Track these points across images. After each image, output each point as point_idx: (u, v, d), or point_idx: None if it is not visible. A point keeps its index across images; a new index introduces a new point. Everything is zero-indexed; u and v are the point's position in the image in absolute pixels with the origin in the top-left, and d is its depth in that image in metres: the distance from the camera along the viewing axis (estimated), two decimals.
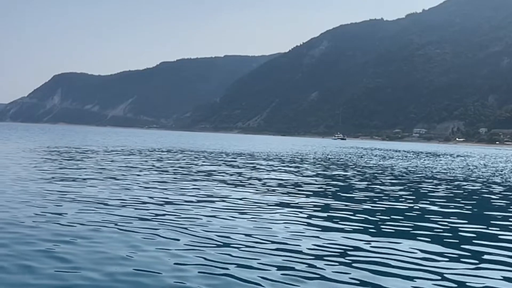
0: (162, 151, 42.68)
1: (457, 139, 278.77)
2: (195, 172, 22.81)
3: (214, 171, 24.16)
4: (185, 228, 9.78)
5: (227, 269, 7.15)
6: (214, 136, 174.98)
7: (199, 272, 6.97)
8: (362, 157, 49.63)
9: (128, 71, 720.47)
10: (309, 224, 10.74)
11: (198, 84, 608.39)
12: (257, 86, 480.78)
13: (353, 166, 32.88)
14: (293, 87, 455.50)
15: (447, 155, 71.77)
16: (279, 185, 18.95)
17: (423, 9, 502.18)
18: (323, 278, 6.92)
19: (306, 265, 7.47)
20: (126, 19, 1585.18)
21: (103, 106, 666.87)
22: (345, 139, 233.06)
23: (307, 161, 37.86)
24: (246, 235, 9.43)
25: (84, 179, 17.56)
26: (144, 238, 8.84)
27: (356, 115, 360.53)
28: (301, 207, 13.20)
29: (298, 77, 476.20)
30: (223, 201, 13.78)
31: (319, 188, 18.46)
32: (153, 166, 25.35)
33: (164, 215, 11.16)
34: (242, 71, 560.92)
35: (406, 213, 13.16)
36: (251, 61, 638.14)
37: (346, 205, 13.89)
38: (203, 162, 30.92)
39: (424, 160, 49.68)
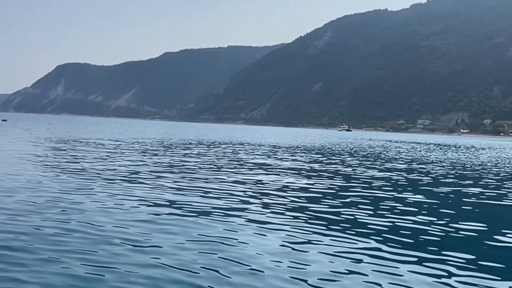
0: (196, 145, 42.18)
1: (461, 130, 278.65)
2: (251, 165, 22.71)
3: (266, 163, 24.07)
4: (306, 222, 9.79)
5: (374, 264, 7.14)
6: (223, 128, 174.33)
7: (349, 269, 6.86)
8: (388, 150, 49.58)
9: (132, 61, 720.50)
10: (431, 223, 10.62)
11: (201, 74, 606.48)
12: (260, 77, 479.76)
13: (393, 159, 32.75)
14: (297, 78, 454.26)
15: (466, 147, 71.36)
16: (349, 177, 18.95)
17: None
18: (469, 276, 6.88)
19: (452, 267, 7.37)
20: (129, 9, 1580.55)
21: (106, 97, 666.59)
22: (350, 131, 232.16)
23: (341, 154, 37.82)
24: (369, 228, 9.48)
25: (148, 172, 17.52)
26: (279, 235, 8.67)
27: (360, 106, 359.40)
28: (399, 203, 13.07)
29: (302, 68, 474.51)
30: (316, 194, 13.62)
31: (389, 182, 18.26)
32: (199, 160, 25.06)
33: (268, 211, 11.01)
34: (246, 62, 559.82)
35: None
36: (255, 51, 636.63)
37: (443, 202, 13.86)
38: (247, 155, 30.78)
39: (452, 153, 49.46)
